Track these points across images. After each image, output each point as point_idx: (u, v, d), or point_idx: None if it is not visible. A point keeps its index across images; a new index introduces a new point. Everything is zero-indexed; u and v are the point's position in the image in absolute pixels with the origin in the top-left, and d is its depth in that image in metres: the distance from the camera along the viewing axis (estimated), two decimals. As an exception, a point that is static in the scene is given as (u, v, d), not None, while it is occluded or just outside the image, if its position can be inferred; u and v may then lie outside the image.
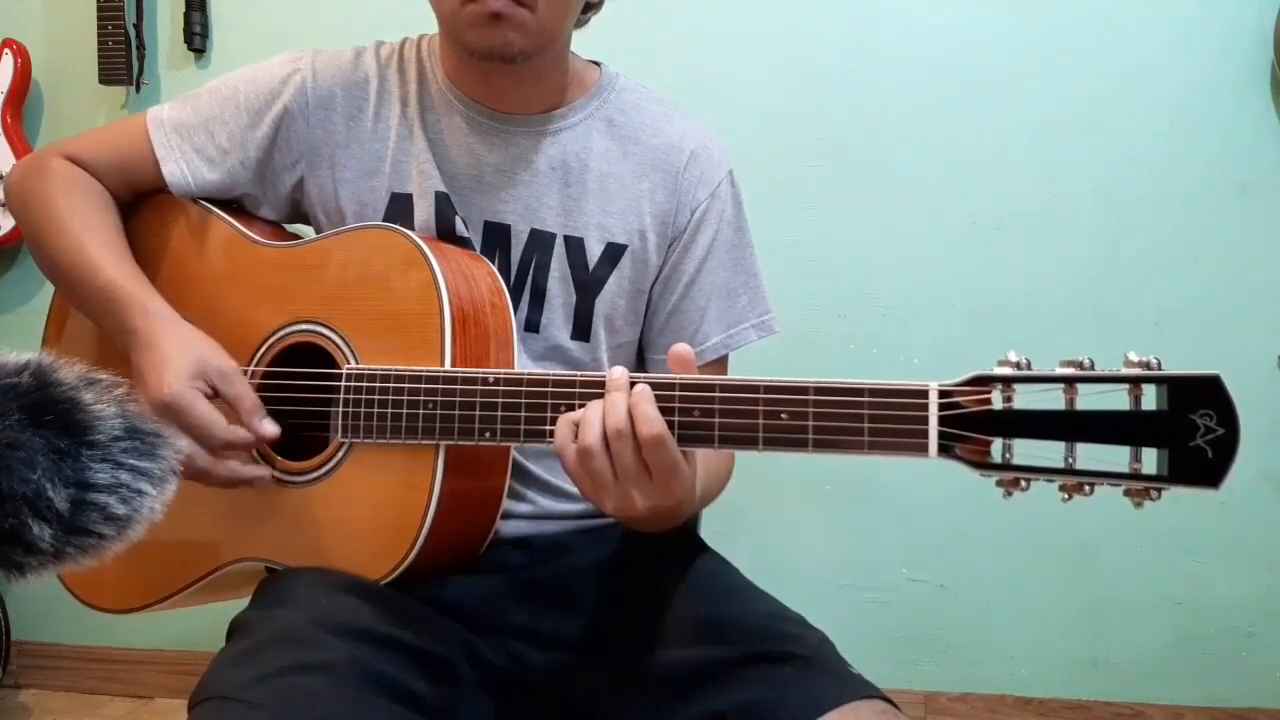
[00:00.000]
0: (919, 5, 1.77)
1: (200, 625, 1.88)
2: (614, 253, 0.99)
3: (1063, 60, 1.73)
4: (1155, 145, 1.72)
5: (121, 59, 1.90)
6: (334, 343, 0.91)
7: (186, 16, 1.91)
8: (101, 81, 1.91)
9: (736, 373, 1.04)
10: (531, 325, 0.99)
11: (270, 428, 0.90)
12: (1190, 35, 1.71)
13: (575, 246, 0.99)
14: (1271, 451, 1.64)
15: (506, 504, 0.93)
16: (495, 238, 0.99)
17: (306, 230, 1.06)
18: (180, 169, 1.01)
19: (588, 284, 0.99)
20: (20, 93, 1.93)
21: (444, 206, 0.98)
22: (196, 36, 1.91)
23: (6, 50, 1.92)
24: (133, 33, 1.92)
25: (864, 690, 0.80)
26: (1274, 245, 1.71)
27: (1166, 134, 1.72)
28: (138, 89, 1.94)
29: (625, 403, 0.75)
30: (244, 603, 0.90)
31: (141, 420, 0.60)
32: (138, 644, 2.02)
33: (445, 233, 0.98)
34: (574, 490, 0.85)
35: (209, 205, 1.02)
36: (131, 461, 0.58)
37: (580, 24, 1.01)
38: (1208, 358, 1.61)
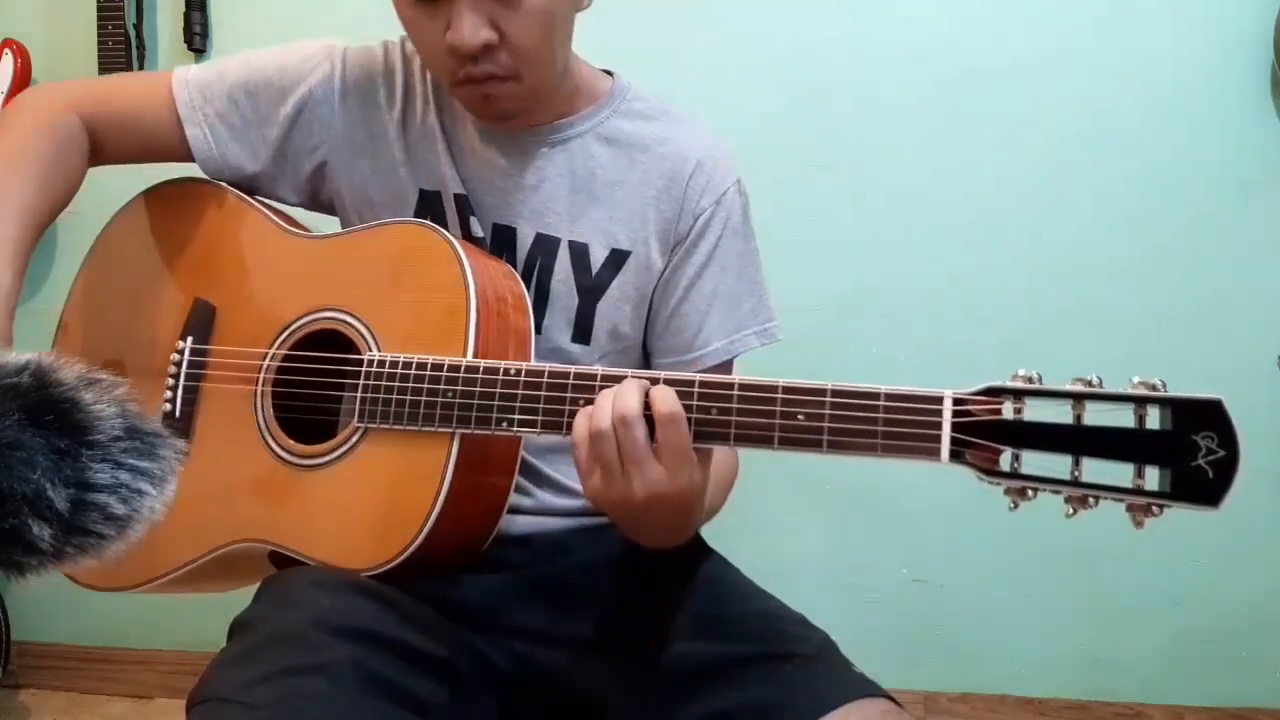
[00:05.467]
0: (920, 8, 1.77)
1: (200, 625, 1.89)
2: (618, 258, 1.00)
3: (1063, 61, 1.73)
4: (1155, 146, 1.72)
5: (121, 59, 1.90)
6: (357, 330, 0.93)
7: (186, 16, 1.91)
8: (101, 81, 1.91)
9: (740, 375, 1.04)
10: (535, 327, 0.99)
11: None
12: (1190, 35, 1.71)
13: (579, 251, 0.99)
14: (1272, 452, 1.64)
15: (512, 499, 0.93)
16: (502, 241, 1.00)
17: (329, 224, 1.06)
18: (204, 133, 1.01)
19: (591, 288, 1.00)
20: (20, 92, 1.93)
21: (462, 208, 1.00)
22: (196, 36, 1.91)
23: (6, 50, 1.92)
24: (133, 33, 1.92)
25: (868, 689, 0.80)
26: (1274, 245, 1.71)
27: (1167, 134, 1.72)
28: (138, 89, 1.94)
29: (637, 390, 0.76)
30: (245, 598, 0.90)
31: (141, 420, 0.60)
32: (137, 644, 2.01)
33: (462, 234, 0.99)
34: (578, 487, 0.86)
35: (242, 194, 1.04)
36: (131, 461, 0.58)
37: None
38: (1208, 358, 1.64)
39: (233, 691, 0.73)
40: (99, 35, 1.90)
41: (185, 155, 1.03)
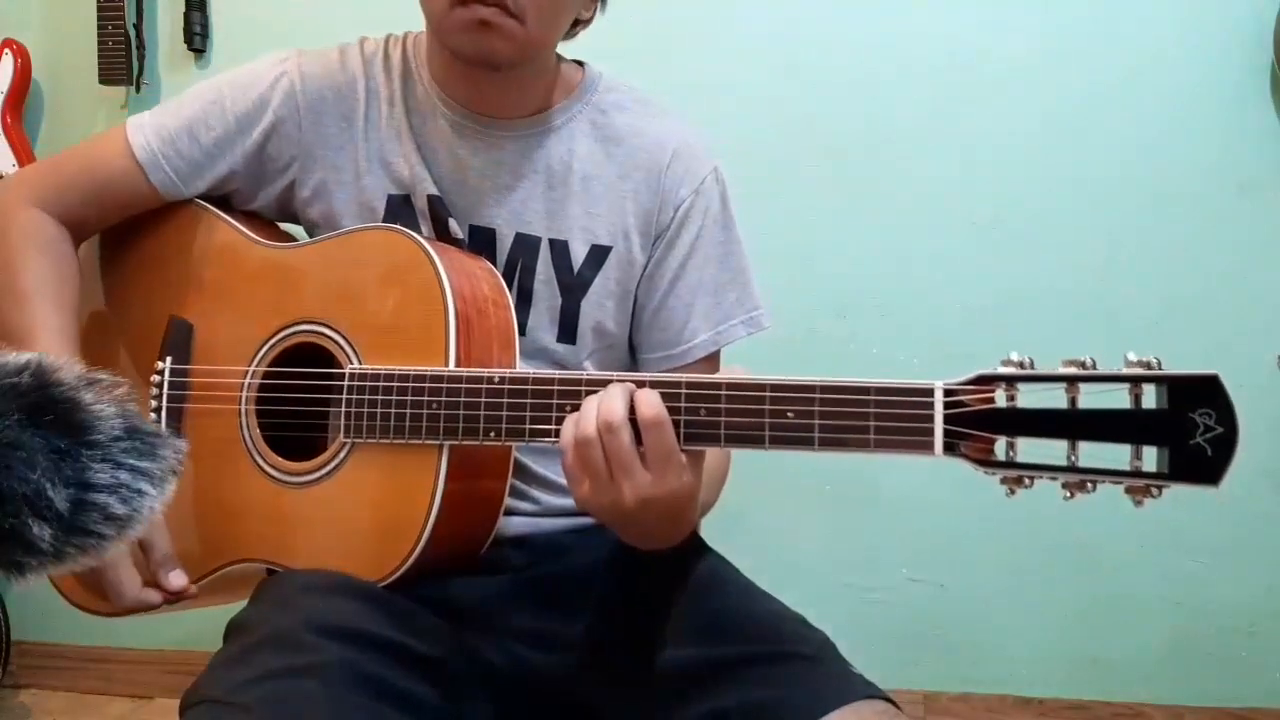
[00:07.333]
0: (920, 6, 1.77)
1: (200, 625, 1.88)
2: (599, 254, 0.99)
3: (1063, 60, 1.73)
4: (1155, 145, 1.72)
5: (121, 59, 1.90)
6: (336, 343, 0.91)
7: (186, 16, 1.91)
8: (101, 81, 1.91)
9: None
10: (518, 328, 0.99)
11: (178, 580, 0.91)
12: (1190, 35, 1.70)
13: (560, 249, 0.99)
14: (1271, 450, 1.64)
15: (508, 502, 0.93)
16: (481, 242, 0.99)
17: (297, 231, 1.05)
18: (169, 176, 0.99)
19: (573, 286, 0.99)
20: (20, 93, 1.93)
21: (437, 209, 0.98)
22: (196, 36, 1.91)
23: (6, 50, 1.92)
24: (133, 33, 1.92)
25: (866, 690, 0.80)
26: (1274, 245, 1.70)
27: (1166, 134, 1.72)
28: (138, 89, 1.94)
29: (622, 396, 0.76)
30: (244, 604, 0.90)
31: (141, 420, 0.60)
32: (137, 644, 2.02)
33: (439, 235, 0.98)
34: None
35: (211, 207, 1.02)
36: (131, 461, 0.58)
37: (568, 36, 1.01)
38: (1207, 357, 1.61)
39: (226, 693, 0.73)
40: (99, 35, 1.90)
41: (158, 202, 1.01)
